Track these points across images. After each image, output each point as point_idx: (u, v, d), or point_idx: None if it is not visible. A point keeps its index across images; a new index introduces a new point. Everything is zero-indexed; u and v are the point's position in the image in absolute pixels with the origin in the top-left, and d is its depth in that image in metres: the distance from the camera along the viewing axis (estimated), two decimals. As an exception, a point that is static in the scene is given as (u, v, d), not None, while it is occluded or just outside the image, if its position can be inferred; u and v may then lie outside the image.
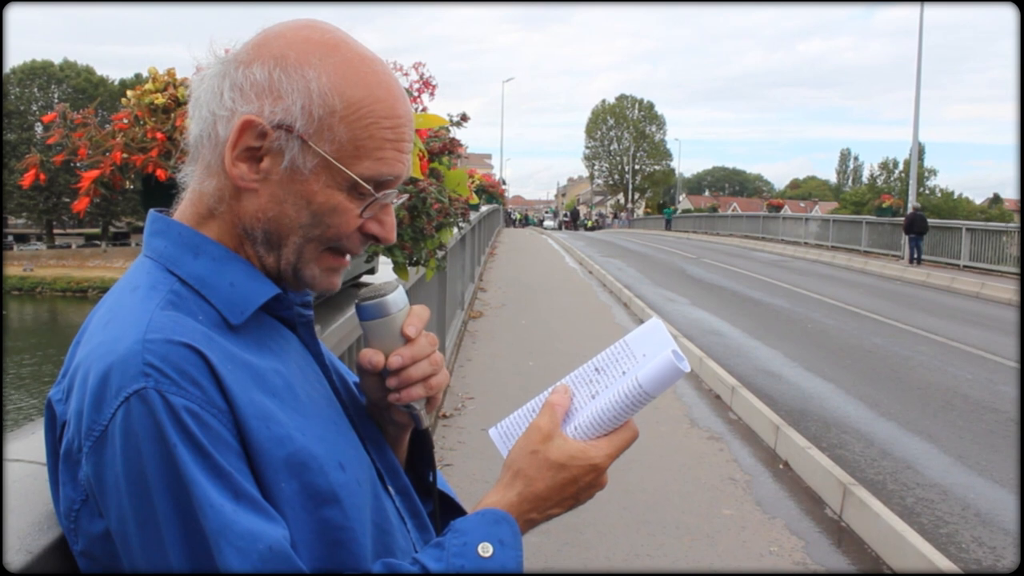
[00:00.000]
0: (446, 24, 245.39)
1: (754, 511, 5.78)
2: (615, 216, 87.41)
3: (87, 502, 1.01)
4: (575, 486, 1.21)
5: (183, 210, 1.17)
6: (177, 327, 1.03)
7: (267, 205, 1.12)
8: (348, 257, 1.22)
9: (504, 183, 56.76)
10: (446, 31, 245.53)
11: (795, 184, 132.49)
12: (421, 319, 1.25)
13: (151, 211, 1.19)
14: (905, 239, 24.99)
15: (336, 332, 2.74)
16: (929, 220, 24.80)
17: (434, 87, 3.48)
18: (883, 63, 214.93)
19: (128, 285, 1.12)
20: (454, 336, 10.52)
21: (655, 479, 6.25)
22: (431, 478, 1.35)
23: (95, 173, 2.05)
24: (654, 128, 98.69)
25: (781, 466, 6.80)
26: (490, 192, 20.88)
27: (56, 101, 67.34)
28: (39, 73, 72.58)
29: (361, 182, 1.12)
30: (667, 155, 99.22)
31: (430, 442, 1.33)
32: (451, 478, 6.33)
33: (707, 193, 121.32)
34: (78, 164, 2.13)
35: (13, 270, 60.13)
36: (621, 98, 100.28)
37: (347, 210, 1.13)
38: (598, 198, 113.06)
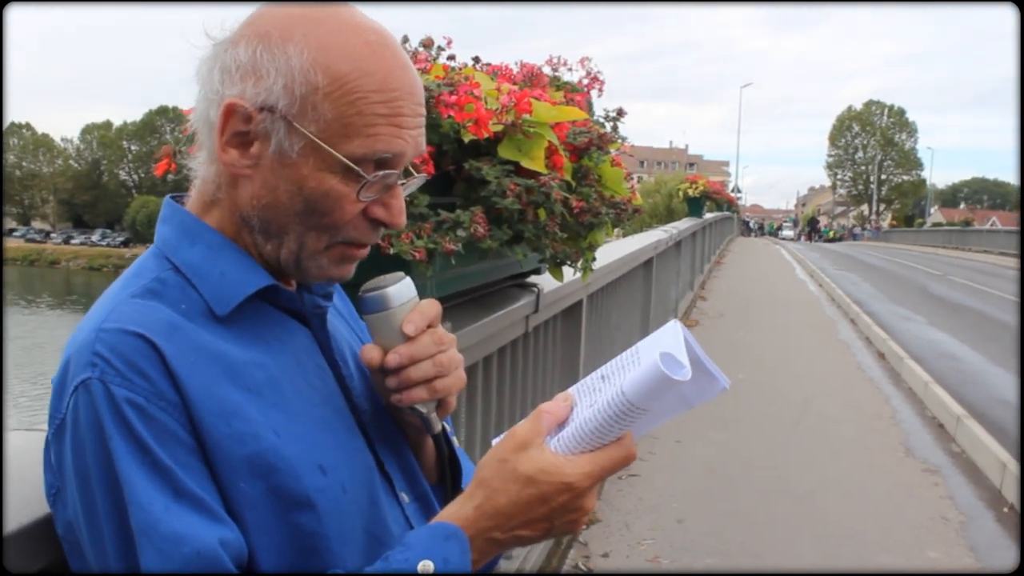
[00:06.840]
0: (694, 29, 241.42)
1: (964, 556, 5.18)
2: (863, 227, 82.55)
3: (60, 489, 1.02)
4: (546, 506, 1.04)
5: (191, 197, 1.15)
6: (137, 316, 1.00)
7: (260, 192, 1.07)
8: (365, 250, 1.13)
9: (739, 191, 55.28)
10: (694, 36, 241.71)
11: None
12: (424, 316, 1.14)
13: (166, 198, 1.17)
14: None
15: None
16: None
17: (602, 83, 3.36)
18: None
19: (124, 272, 1.12)
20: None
21: (854, 510, 5.76)
22: (453, 483, 1.25)
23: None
24: (904, 136, 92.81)
25: (1006, 509, 6.07)
26: (714, 198, 20.26)
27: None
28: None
29: (350, 163, 1.03)
30: (917, 164, 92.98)
31: (442, 447, 1.23)
32: (636, 489, 6.15)
33: (962, 206, 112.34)
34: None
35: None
36: (869, 104, 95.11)
37: (341, 195, 1.05)
38: (840, 209, 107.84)
